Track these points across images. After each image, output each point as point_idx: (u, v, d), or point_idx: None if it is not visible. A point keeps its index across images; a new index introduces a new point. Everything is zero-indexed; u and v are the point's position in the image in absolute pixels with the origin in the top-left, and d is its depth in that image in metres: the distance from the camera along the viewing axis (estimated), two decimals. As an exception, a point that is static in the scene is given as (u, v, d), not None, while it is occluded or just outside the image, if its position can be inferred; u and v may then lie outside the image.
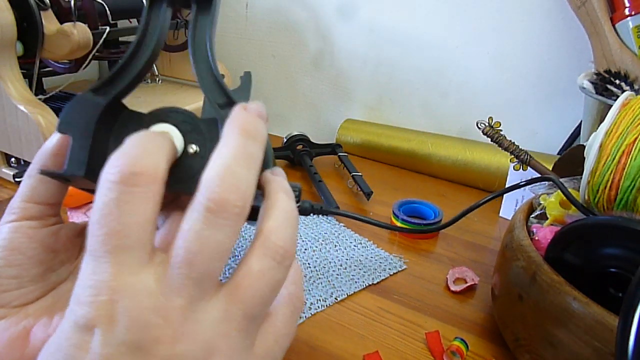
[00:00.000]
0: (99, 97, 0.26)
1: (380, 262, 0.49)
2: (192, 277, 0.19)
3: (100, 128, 0.26)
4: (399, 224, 0.55)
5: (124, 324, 0.18)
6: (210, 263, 0.19)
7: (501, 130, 0.49)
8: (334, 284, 0.45)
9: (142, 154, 0.20)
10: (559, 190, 0.39)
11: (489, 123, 0.49)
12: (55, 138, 0.26)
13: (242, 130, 0.22)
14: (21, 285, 0.26)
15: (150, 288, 0.18)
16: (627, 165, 0.33)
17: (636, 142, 0.33)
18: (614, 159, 0.34)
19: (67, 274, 0.28)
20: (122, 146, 0.20)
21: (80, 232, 0.29)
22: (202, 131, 0.27)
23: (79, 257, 0.29)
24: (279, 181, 0.24)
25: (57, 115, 0.55)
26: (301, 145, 0.71)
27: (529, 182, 0.44)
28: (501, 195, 0.47)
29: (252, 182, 0.21)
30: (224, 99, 0.28)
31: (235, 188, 0.20)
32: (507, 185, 0.59)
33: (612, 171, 0.34)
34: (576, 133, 0.65)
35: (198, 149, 0.26)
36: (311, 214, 0.50)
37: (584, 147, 0.38)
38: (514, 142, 0.48)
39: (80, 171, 0.25)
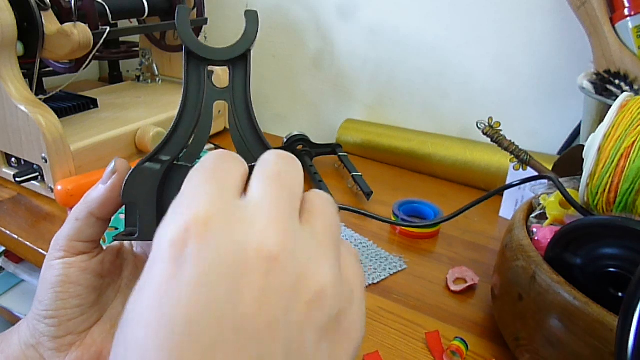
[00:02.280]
0: (155, 164, 0.29)
1: (380, 262, 0.49)
2: (283, 198, 0.20)
3: (159, 190, 0.29)
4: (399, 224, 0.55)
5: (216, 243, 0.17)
6: (293, 185, 0.21)
7: (501, 130, 0.49)
8: (334, 284, 0.45)
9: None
10: (559, 191, 0.40)
11: (489, 123, 0.49)
12: (102, 189, 0.29)
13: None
14: (83, 312, 0.29)
15: (241, 213, 0.18)
16: (626, 168, 0.33)
17: (634, 145, 0.33)
18: (612, 162, 0.34)
19: (115, 293, 0.32)
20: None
21: (117, 253, 0.32)
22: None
23: (121, 276, 0.32)
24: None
25: (57, 115, 0.55)
26: (301, 145, 0.71)
27: (528, 180, 0.44)
28: (500, 192, 0.47)
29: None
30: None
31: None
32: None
33: (610, 174, 0.34)
34: (576, 133, 0.65)
35: None
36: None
37: (583, 147, 0.38)
38: (514, 142, 0.48)
39: (152, 236, 0.28)
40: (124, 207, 0.31)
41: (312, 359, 0.18)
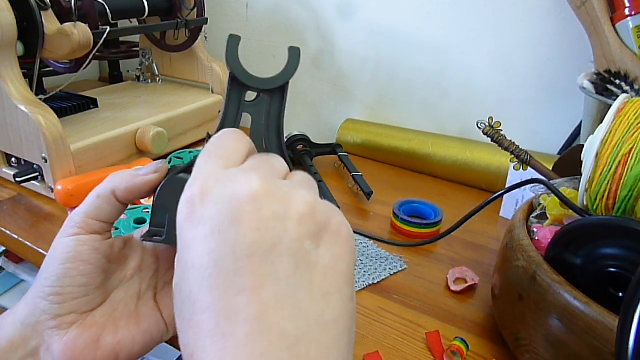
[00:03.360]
0: (188, 175, 0.30)
1: (381, 262, 0.49)
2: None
3: None
4: (399, 224, 0.55)
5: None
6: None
7: (501, 130, 0.49)
8: (334, 284, 0.45)
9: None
10: (554, 194, 0.39)
11: (489, 123, 0.49)
12: (138, 175, 0.31)
13: None
14: (88, 293, 0.29)
15: (232, 175, 0.23)
16: (624, 176, 0.33)
17: (632, 152, 0.33)
18: (610, 170, 0.34)
19: (119, 282, 0.32)
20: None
21: (126, 243, 0.33)
22: None
23: (126, 265, 0.33)
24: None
25: (57, 115, 0.55)
26: (301, 145, 0.71)
27: (523, 183, 0.44)
28: (499, 197, 0.46)
29: None
30: None
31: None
32: (507, 185, 0.59)
33: (609, 181, 0.34)
34: (576, 133, 0.65)
35: None
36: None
37: (584, 147, 0.38)
38: (514, 142, 0.48)
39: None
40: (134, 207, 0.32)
41: (316, 261, 0.22)
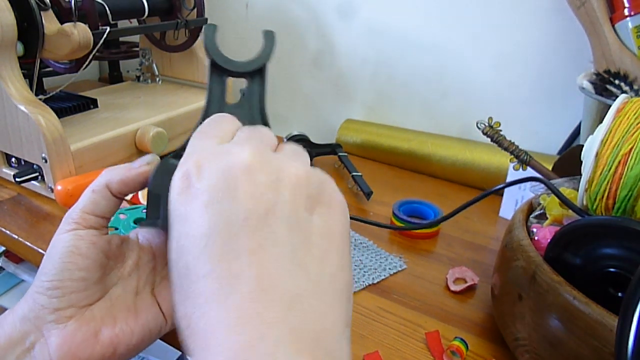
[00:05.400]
0: (179, 160, 0.30)
1: (380, 262, 0.49)
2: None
3: None
4: (398, 224, 0.55)
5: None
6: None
7: (501, 130, 0.49)
8: (334, 284, 0.45)
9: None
10: (552, 192, 0.40)
11: (488, 123, 0.49)
12: (131, 168, 0.31)
13: None
14: (87, 287, 0.30)
15: (225, 149, 0.24)
16: (624, 175, 0.33)
17: (632, 152, 0.33)
18: (610, 169, 0.34)
19: (117, 278, 0.32)
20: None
21: (123, 241, 0.33)
22: None
23: (124, 263, 0.33)
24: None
25: (57, 115, 0.55)
26: (301, 145, 0.71)
27: (521, 180, 0.44)
28: (500, 189, 0.46)
29: None
30: None
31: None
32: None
33: (608, 181, 0.34)
34: (576, 133, 0.65)
35: None
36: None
37: (583, 147, 0.38)
38: (513, 142, 0.48)
39: None
40: (127, 206, 0.32)
41: (308, 226, 0.23)
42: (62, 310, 0.29)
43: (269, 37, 0.33)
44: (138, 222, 0.50)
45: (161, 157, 0.33)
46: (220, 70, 0.33)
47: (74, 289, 0.29)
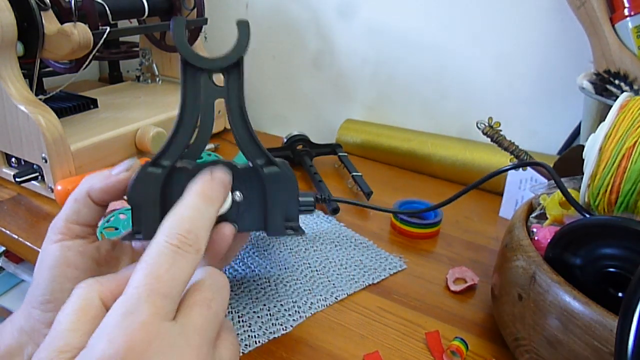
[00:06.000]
0: (157, 168, 0.31)
1: (380, 262, 0.49)
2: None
3: (161, 192, 0.31)
4: (398, 224, 0.55)
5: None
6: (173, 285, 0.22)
7: (501, 130, 0.49)
8: (334, 284, 0.45)
9: (193, 225, 0.24)
10: (559, 190, 0.39)
11: (488, 123, 0.49)
12: (110, 176, 0.30)
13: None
14: None
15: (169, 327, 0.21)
16: (628, 169, 0.33)
17: (636, 146, 0.33)
18: (614, 163, 0.34)
19: None
20: (176, 209, 0.25)
21: (114, 245, 0.33)
22: (243, 178, 0.33)
23: (117, 268, 0.33)
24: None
25: (57, 115, 0.55)
26: (301, 145, 0.71)
27: (522, 164, 0.43)
28: (494, 176, 0.46)
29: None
30: (263, 159, 0.33)
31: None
32: (506, 186, 0.59)
33: (612, 175, 0.34)
34: (576, 133, 0.65)
35: (242, 196, 0.33)
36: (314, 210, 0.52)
37: (583, 147, 0.38)
38: (513, 142, 0.48)
39: None
40: (126, 206, 0.32)
41: None
42: None
43: (243, 28, 0.31)
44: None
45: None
46: (193, 68, 0.31)
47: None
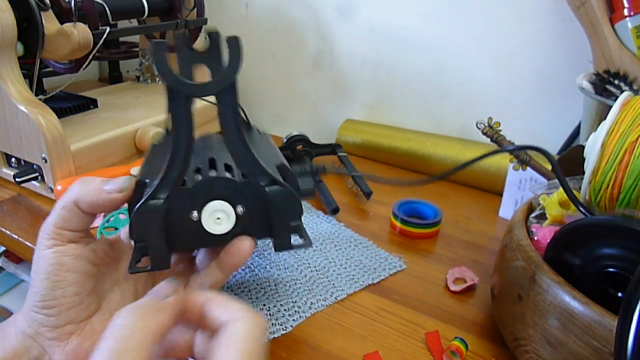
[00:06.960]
0: (156, 201, 0.30)
1: (380, 262, 0.49)
2: None
3: (164, 217, 0.30)
4: (398, 225, 0.55)
5: None
6: None
7: (501, 130, 0.49)
8: (334, 284, 0.45)
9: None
10: (559, 190, 0.40)
11: (488, 123, 0.49)
12: (103, 191, 0.30)
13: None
14: (81, 301, 0.29)
15: None
16: (630, 164, 0.33)
17: (639, 141, 0.33)
18: (616, 158, 0.34)
19: (112, 284, 0.32)
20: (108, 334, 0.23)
21: (112, 244, 0.33)
22: (244, 192, 0.32)
23: (117, 267, 0.33)
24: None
25: (57, 115, 0.55)
26: (301, 145, 0.71)
27: (523, 147, 0.43)
28: (492, 155, 0.45)
29: None
30: (266, 180, 0.32)
31: None
32: (506, 186, 0.59)
33: (614, 170, 0.34)
34: (576, 133, 0.65)
35: (244, 209, 0.32)
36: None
37: (583, 147, 0.38)
38: (513, 142, 0.48)
39: (166, 265, 0.31)
40: (126, 206, 0.32)
41: None
42: (61, 327, 0.29)
43: (234, 46, 0.28)
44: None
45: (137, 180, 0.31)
46: (180, 95, 0.29)
47: (69, 305, 0.29)
